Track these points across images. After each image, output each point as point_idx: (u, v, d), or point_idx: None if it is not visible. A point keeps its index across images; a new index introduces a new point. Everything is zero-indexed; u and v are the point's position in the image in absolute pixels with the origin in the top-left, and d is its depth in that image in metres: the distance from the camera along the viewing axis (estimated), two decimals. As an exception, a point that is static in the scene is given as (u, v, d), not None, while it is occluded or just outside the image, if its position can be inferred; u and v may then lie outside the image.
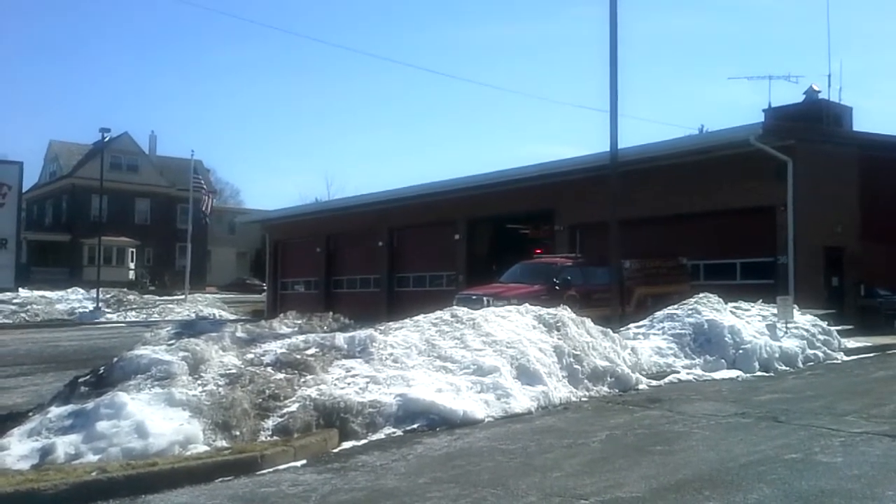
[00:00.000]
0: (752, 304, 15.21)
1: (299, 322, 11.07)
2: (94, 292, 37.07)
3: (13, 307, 32.99)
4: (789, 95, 56.68)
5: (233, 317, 33.18)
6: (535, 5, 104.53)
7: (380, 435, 7.63)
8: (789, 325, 14.40)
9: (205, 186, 42.93)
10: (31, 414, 7.55)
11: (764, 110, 27.43)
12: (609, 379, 10.55)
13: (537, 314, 11.42)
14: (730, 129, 20.72)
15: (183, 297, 41.12)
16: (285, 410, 7.56)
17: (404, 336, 10.03)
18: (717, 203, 20.47)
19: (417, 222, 30.42)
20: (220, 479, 5.95)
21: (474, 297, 16.91)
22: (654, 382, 11.15)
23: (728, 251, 20.63)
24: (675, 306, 14.10)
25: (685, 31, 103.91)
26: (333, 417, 7.59)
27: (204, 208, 41.78)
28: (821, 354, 14.22)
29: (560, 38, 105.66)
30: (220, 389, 7.60)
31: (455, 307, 12.35)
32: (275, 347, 9.30)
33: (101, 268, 41.25)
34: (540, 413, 8.86)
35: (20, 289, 37.39)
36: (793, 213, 19.15)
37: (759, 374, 12.43)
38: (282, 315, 11.46)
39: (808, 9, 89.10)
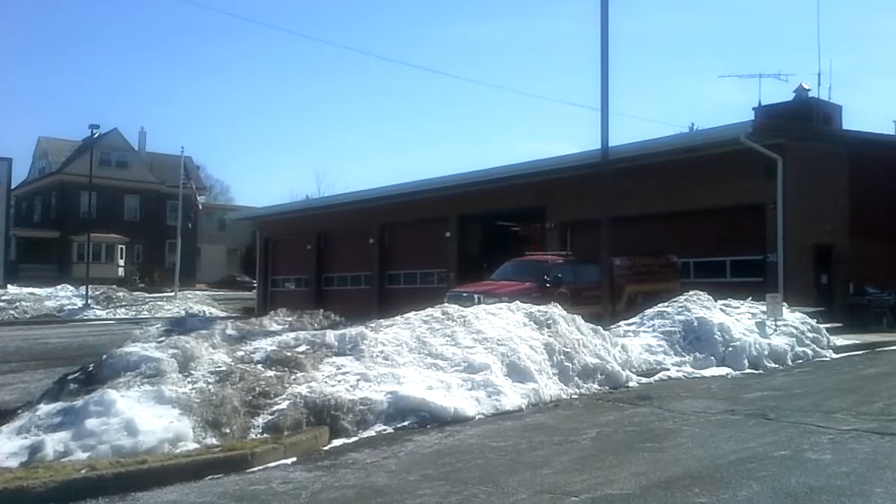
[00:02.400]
0: (742, 302, 15.27)
1: (290, 319, 11.04)
2: (83, 289, 36.94)
3: (2, 304, 32.84)
4: (779, 94, 57.04)
5: (223, 314, 33.08)
6: (527, 2, 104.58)
7: (370, 432, 7.62)
8: (779, 323, 14.45)
9: (193, 183, 42.80)
10: (20, 411, 7.51)
11: (754, 108, 27.56)
12: (599, 376, 10.56)
13: (528, 312, 11.42)
14: (720, 128, 20.84)
15: (173, 294, 41.01)
16: (275, 408, 7.54)
17: (395, 333, 10.00)
18: (707, 201, 20.55)
19: (408, 219, 30.39)
20: (210, 477, 5.93)
21: (465, 295, 16.90)
22: (644, 380, 11.18)
23: (718, 249, 20.72)
24: (666, 304, 14.13)
25: (675, 28, 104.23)
26: (324, 415, 7.57)
27: (196, 201, 41.92)
28: (810, 352, 14.26)
29: (553, 36, 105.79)
30: (210, 387, 7.58)
31: (446, 304, 12.33)
32: (265, 345, 9.27)
33: (90, 264, 41.10)
34: (530, 410, 8.87)
35: (9, 285, 37.25)
36: (782, 211, 19.26)
37: (748, 371, 12.48)
38: (272, 312, 11.42)
39: (798, 6, 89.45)
